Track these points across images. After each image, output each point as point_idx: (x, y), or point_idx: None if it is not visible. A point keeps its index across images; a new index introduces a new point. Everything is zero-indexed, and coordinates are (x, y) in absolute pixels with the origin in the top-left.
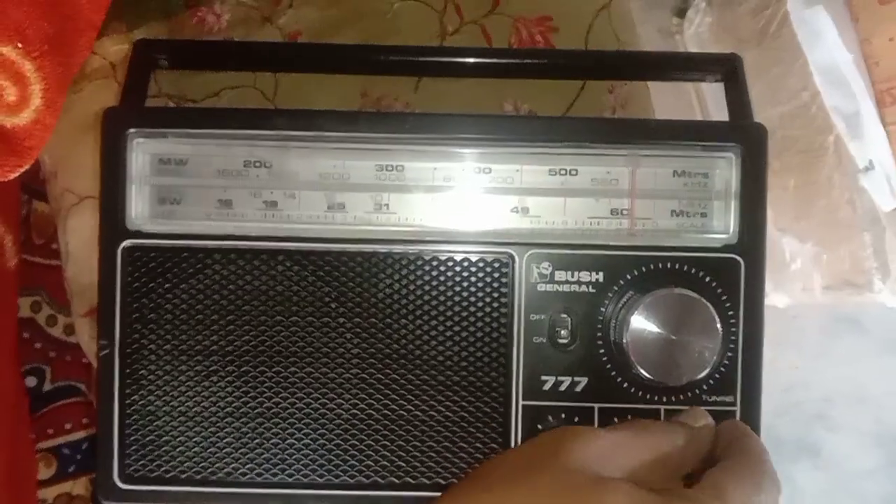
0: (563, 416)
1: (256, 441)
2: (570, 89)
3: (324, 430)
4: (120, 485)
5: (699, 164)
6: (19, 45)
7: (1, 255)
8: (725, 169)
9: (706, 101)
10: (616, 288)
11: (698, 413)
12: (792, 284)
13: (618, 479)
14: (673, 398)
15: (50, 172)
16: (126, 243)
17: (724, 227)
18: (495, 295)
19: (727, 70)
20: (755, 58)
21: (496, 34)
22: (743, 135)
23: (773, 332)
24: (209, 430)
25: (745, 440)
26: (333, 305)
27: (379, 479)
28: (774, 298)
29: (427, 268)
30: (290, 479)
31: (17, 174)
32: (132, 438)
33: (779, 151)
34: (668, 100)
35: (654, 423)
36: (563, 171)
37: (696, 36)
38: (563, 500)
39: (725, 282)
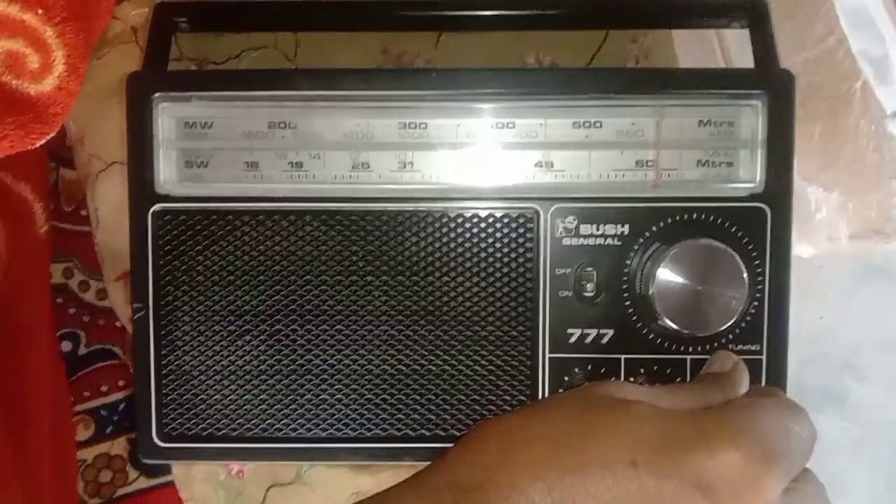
0: (590, 367)
1: (289, 397)
2: (593, 40)
3: (355, 386)
4: (159, 443)
5: (725, 113)
6: (40, 11)
7: (32, 223)
8: (752, 117)
9: (729, 49)
10: (641, 240)
11: (725, 357)
12: (817, 234)
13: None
14: (699, 348)
15: (76, 139)
16: (156, 208)
17: (750, 176)
18: (521, 250)
19: (753, 15)
20: (779, 2)
21: None
22: (770, 82)
23: (798, 282)
24: (243, 387)
25: (775, 390)
26: (361, 264)
27: (410, 432)
28: (799, 248)
29: (452, 225)
30: (322, 434)
31: (43, 141)
32: (169, 398)
33: (804, 99)
34: (691, 50)
35: (689, 384)
36: (587, 124)
37: None
38: (587, 416)
39: (752, 231)
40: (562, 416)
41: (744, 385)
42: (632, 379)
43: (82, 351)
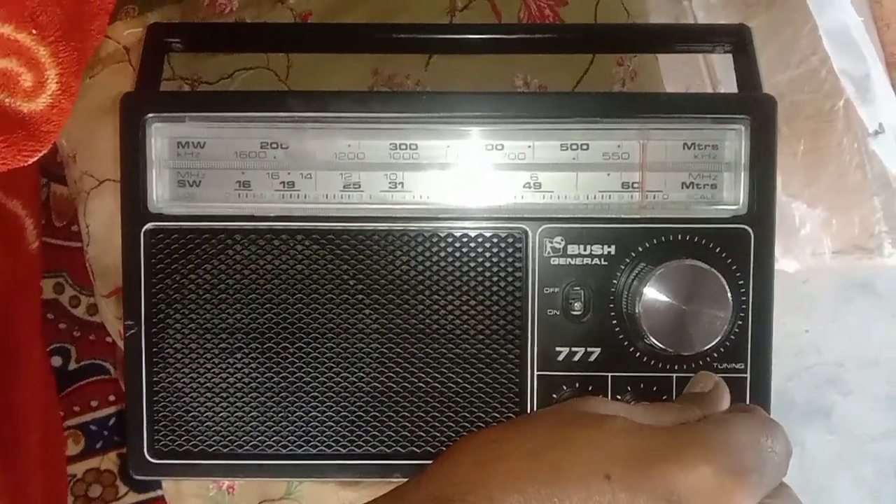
0: (577, 385)
1: (280, 414)
2: (580, 63)
3: (345, 403)
4: (150, 459)
5: (709, 137)
6: (33, 31)
7: (23, 238)
8: (735, 140)
9: (715, 69)
10: (628, 260)
11: (706, 377)
12: (802, 249)
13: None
14: (684, 366)
15: (68, 156)
16: (148, 226)
17: (733, 198)
18: (510, 269)
19: (736, 41)
20: (764, 22)
21: (505, 9)
22: (752, 106)
23: (783, 297)
24: (234, 404)
25: (753, 407)
26: (352, 282)
27: (399, 449)
28: (784, 264)
29: (442, 244)
30: (313, 451)
31: (35, 158)
32: (160, 415)
33: (788, 117)
34: (677, 68)
35: (669, 404)
36: (574, 146)
37: (704, 1)
38: (563, 430)
39: (735, 252)
40: (538, 431)
41: (724, 404)
42: (619, 397)
43: (73, 366)
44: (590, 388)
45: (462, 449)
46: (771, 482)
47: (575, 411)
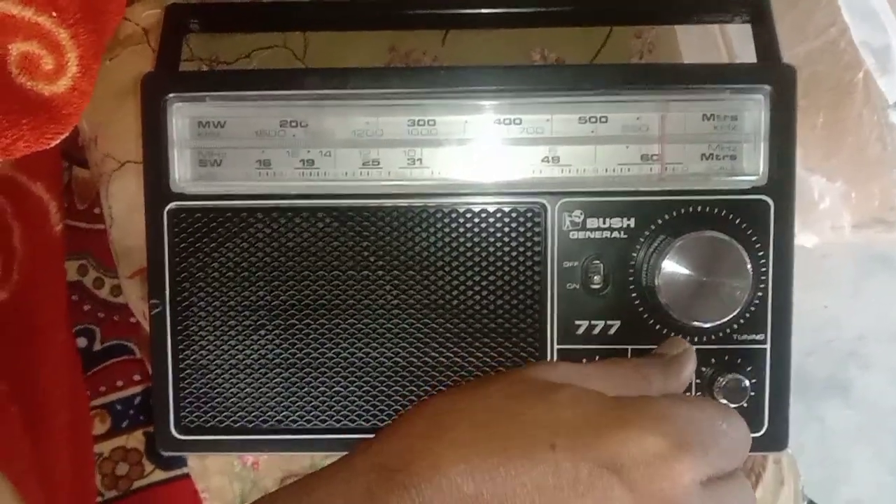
0: (597, 358)
1: (304, 390)
2: (597, 35)
3: (367, 378)
4: (177, 436)
5: (728, 107)
6: (54, 14)
7: (47, 221)
8: (754, 111)
9: (732, 42)
10: (647, 233)
11: (677, 342)
12: (821, 223)
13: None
14: (704, 338)
15: (89, 139)
16: (171, 206)
17: (753, 168)
18: (529, 244)
19: (754, 11)
20: None
21: None
22: (772, 76)
23: (802, 271)
24: (258, 380)
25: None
26: (372, 259)
27: None
28: (803, 238)
29: (461, 220)
30: (336, 425)
31: (57, 141)
32: (186, 392)
33: (807, 89)
34: (694, 42)
35: (626, 362)
36: (592, 119)
37: None
38: (512, 400)
39: (755, 223)
40: (488, 399)
41: (687, 371)
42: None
43: (97, 347)
44: None
45: (410, 419)
46: (719, 462)
47: (527, 379)
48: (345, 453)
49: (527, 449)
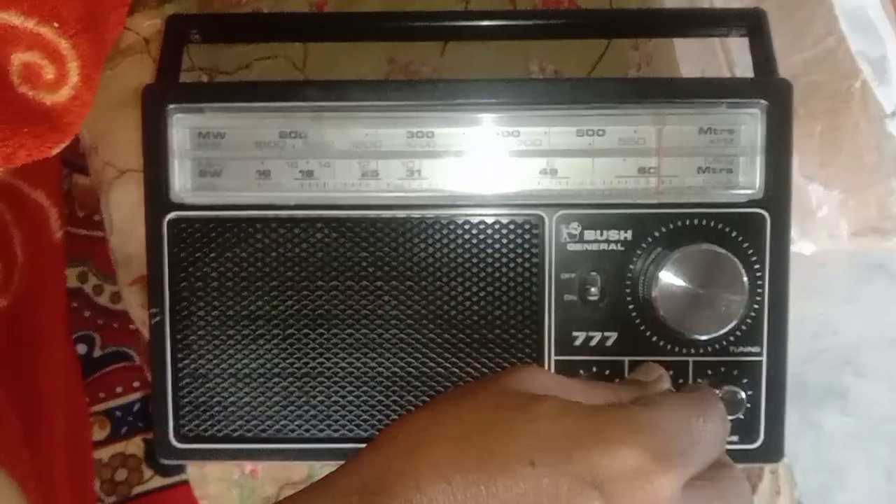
0: (594, 369)
1: (302, 399)
2: (595, 47)
3: (365, 388)
4: (176, 444)
5: (725, 121)
6: (55, 24)
7: (47, 228)
8: (751, 125)
9: (731, 52)
10: (644, 245)
11: (651, 368)
12: (818, 231)
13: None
14: (700, 350)
15: (90, 147)
16: (171, 216)
17: (749, 182)
18: (526, 256)
19: (751, 25)
20: (779, 3)
21: None
22: (768, 90)
23: (799, 279)
24: (257, 389)
25: (704, 389)
26: (370, 269)
27: None
28: (801, 246)
29: (459, 231)
30: (334, 434)
31: (58, 150)
32: (185, 400)
33: (804, 98)
34: (692, 51)
35: (604, 383)
36: (590, 132)
37: None
38: (492, 415)
39: (751, 236)
40: (469, 414)
41: (662, 389)
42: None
43: (97, 353)
44: (606, 373)
45: (391, 436)
46: (700, 459)
47: (508, 391)
48: (341, 462)
49: (507, 465)
